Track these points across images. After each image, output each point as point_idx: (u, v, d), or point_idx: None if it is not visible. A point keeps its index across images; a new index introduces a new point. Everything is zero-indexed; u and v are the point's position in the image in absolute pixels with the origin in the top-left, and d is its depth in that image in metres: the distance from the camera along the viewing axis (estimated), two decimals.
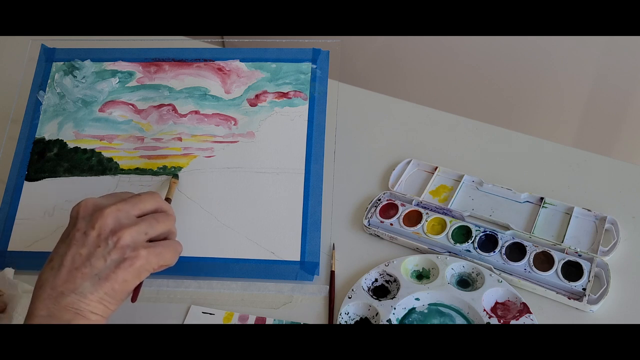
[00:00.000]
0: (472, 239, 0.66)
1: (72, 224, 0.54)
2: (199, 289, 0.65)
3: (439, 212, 0.70)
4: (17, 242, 0.70)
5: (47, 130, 0.75)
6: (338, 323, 0.61)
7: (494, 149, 0.78)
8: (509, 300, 0.62)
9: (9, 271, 0.64)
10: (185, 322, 0.63)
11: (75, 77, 0.77)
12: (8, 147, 0.76)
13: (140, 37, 0.74)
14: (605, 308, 0.61)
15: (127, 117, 0.75)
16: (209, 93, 0.74)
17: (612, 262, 0.64)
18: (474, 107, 1.28)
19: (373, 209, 0.71)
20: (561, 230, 0.67)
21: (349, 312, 0.62)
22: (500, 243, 0.65)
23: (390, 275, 0.65)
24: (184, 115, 0.74)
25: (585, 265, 0.62)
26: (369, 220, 0.69)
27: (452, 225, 0.68)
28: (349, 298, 0.63)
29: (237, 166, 0.70)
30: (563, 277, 0.62)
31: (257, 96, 0.74)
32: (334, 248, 0.68)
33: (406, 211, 0.70)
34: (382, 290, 0.64)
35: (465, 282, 0.64)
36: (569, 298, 0.61)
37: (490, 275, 0.63)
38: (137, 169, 0.72)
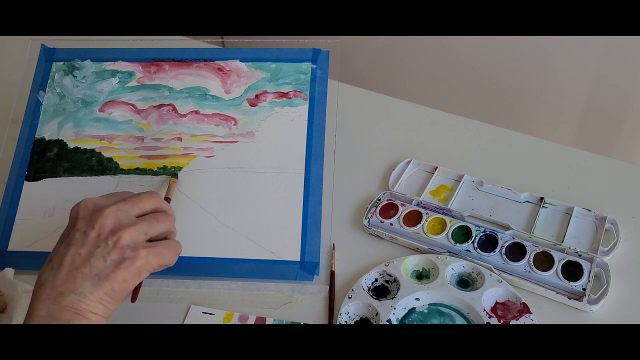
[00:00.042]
0: (472, 239, 0.66)
1: (72, 224, 0.54)
2: (199, 289, 0.65)
3: (439, 212, 0.70)
4: (17, 242, 0.70)
5: (47, 130, 0.75)
6: (338, 323, 0.61)
7: (494, 149, 0.78)
8: (509, 300, 0.62)
9: (9, 271, 0.64)
10: (185, 322, 0.63)
11: (75, 77, 0.77)
12: (8, 147, 0.76)
13: (140, 37, 0.74)
14: (605, 308, 0.61)
15: (127, 117, 0.75)
16: (209, 93, 0.74)
17: (612, 262, 0.64)
18: (474, 107, 1.28)
19: (373, 209, 0.71)
20: (561, 230, 0.67)
21: (349, 312, 0.62)
22: (500, 243, 0.65)
23: (390, 275, 0.65)
24: (184, 115, 0.74)
25: (585, 265, 0.62)
26: (369, 220, 0.70)
27: (452, 225, 0.68)
28: (349, 298, 0.63)
29: (237, 166, 0.70)
30: (563, 277, 0.62)
31: (257, 96, 0.74)
32: (334, 248, 0.68)
33: (406, 211, 0.70)
34: (382, 290, 0.64)
35: (465, 282, 0.64)
36: (569, 298, 0.61)
37: (490, 275, 0.63)
38: (137, 169, 0.72)
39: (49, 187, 0.72)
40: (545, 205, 0.69)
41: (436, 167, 0.75)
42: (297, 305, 0.64)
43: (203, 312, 0.63)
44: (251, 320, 0.63)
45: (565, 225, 0.67)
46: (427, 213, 0.70)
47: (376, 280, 0.65)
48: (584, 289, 0.61)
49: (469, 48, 1.24)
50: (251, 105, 0.73)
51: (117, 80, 0.76)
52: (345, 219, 0.71)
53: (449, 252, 0.66)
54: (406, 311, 0.62)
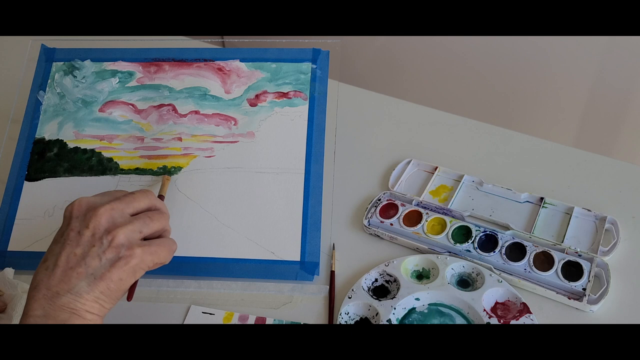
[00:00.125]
0: (472, 239, 0.66)
1: (66, 224, 0.53)
2: (199, 289, 0.65)
3: (439, 212, 0.70)
4: (17, 242, 0.70)
5: (47, 130, 0.75)
6: (338, 323, 0.61)
7: (494, 149, 0.78)
8: (509, 300, 0.62)
9: (9, 271, 0.64)
10: (185, 322, 0.63)
11: (75, 77, 0.77)
12: (8, 147, 0.76)
13: (140, 37, 0.74)
14: (605, 308, 0.61)
15: (127, 117, 0.75)
16: (209, 93, 0.74)
17: (612, 262, 0.64)
18: (474, 107, 1.28)
19: (373, 209, 0.71)
20: (561, 230, 0.67)
21: (349, 312, 0.62)
22: (500, 243, 0.65)
23: (390, 275, 0.65)
24: (184, 115, 0.74)
25: (585, 265, 0.62)
26: (369, 220, 0.69)
27: (452, 225, 0.68)
28: (349, 298, 0.63)
29: (237, 166, 0.70)
30: (563, 277, 0.62)
31: (257, 96, 0.74)
32: (334, 248, 0.68)
33: (406, 211, 0.70)
34: (382, 290, 0.64)
35: (465, 282, 0.64)
36: (569, 298, 0.61)
37: (490, 275, 0.63)
38: (137, 169, 0.72)
39: (49, 187, 0.72)
40: (545, 205, 0.69)
41: (436, 167, 0.75)
42: (297, 305, 0.64)
43: (203, 312, 0.63)
44: (251, 320, 0.63)
45: (565, 225, 0.67)
46: (427, 213, 0.70)
47: (376, 280, 0.65)
48: (584, 289, 0.61)
49: (469, 48, 1.24)
50: (251, 105, 0.73)
51: (117, 80, 0.76)
52: (345, 219, 0.71)
53: (449, 252, 0.66)
54: (406, 311, 0.62)
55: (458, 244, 0.66)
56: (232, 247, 0.67)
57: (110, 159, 0.73)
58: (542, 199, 0.70)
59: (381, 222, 0.69)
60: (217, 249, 0.67)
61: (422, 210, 0.70)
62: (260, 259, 0.66)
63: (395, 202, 0.71)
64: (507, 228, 0.67)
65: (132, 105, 0.75)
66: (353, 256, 0.67)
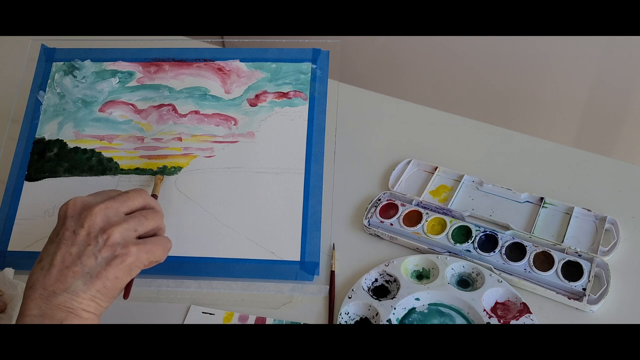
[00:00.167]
0: (472, 239, 0.66)
1: (61, 224, 0.54)
2: (199, 289, 0.65)
3: (439, 212, 0.70)
4: (17, 242, 0.70)
5: (47, 130, 0.75)
6: (338, 323, 0.61)
7: (494, 149, 0.78)
8: (509, 300, 0.62)
9: (9, 271, 0.64)
10: (185, 322, 0.63)
11: (75, 77, 0.77)
12: (8, 147, 0.76)
13: (140, 37, 0.74)
14: (605, 308, 0.61)
15: (127, 117, 0.75)
16: (209, 93, 0.74)
17: (612, 262, 0.64)
18: (474, 107, 1.28)
19: (373, 209, 0.71)
20: (561, 230, 0.67)
21: (349, 312, 0.62)
22: (500, 243, 0.65)
23: (390, 275, 0.65)
24: (184, 115, 0.74)
25: (585, 265, 0.62)
26: (369, 220, 0.69)
27: (452, 225, 0.68)
28: (349, 298, 0.63)
29: (237, 166, 0.70)
30: (563, 277, 0.62)
31: (257, 96, 0.74)
32: (334, 248, 0.68)
33: (406, 211, 0.70)
34: (382, 290, 0.64)
35: (465, 282, 0.64)
36: (569, 298, 0.61)
37: (490, 275, 0.63)
38: (137, 169, 0.72)
39: (49, 187, 0.72)
40: (545, 205, 0.69)
41: (436, 167, 0.75)
42: (297, 305, 0.64)
43: (203, 312, 0.63)
44: (251, 320, 0.63)
45: (565, 225, 0.67)
46: (427, 213, 0.70)
47: (376, 280, 0.65)
48: (584, 289, 0.61)
49: (469, 48, 1.24)
50: (251, 105, 0.73)
51: (117, 80, 0.76)
52: (345, 219, 0.71)
53: (449, 252, 0.66)
54: (406, 311, 0.62)
55: (458, 244, 0.66)
56: (232, 247, 0.67)
57: (110, 159, 0.73)
58: (542, 199, 0.70)
59: (381, 222, 0.69)
60: (217, 249, 0.67)
61: (422, 210, 0.70)
62: (260, 259, 0.66)
63: (395, 202, 0.71)
64: (507, 228, 0.67)
65: (132, 105, 0.75)
66: (353, 256, 0.67)
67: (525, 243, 0.65)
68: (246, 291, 0.65)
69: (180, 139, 0.72)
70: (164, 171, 0.71)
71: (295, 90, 0.73)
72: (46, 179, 0.72)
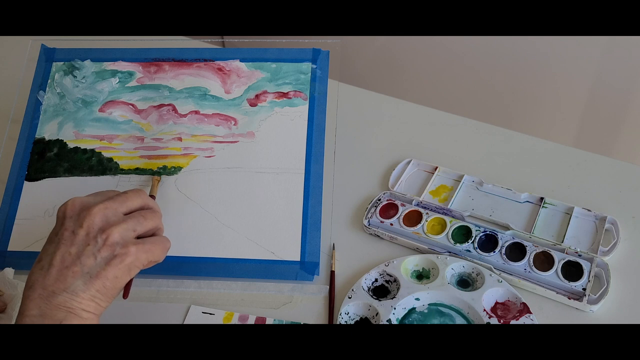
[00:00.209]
0: (472, 239, 0.66)
1: (60, 224, 0.54)
2: (199, 289, 0.65)
3: (439, 212, 0.70)
4: (17, 242, 0.70)
5: (47, 130, 0.75)
6: (338, 323, 0.61)
7: (494, 149, 0.78)
8: (509, 300, 0.62)
9: (9, 271, 0.64)
10: (185, 322, 0.63)
11: (75, 77, 0.77)
12: (8, 147, 0.76)
13: (140, 37, 0.74)
14: (605, 308, 0.61)
15: (127, 117, 0.75)
16: (209, 93, 0.74)
17: (612, 262, 0.64)
18: (474, 107, 1.28)
19: (373, 209, 0.71)
20: (561, 230, 0.67)
21: (349, 312, 0.62)
22: (500, 243, 0.65)
23: (390, 275, 0.65)
24: (184, 115, 0.74)
25: (585, 265, 0.62)
26: (369, 220, 0.69)
27: (452, 225, 0.68)
28: (349, 298, 0.63)
29: (237, 166, 0.70)
30: (563, 277, 0.62)
31: (257, 96, 0.74)
32: (334, 248, 0.68)
33: (406, 211, 0.70)
34: (382, 290, 0.64)
35: (465, 282, 0.64)
36: (569, 298, 0.61)
37: (490, 275, 0.63)
38: (137, 169, 0.72)
39: (49, 187, 0.72)
40: (545, 205, 0.69)
41: (436, 167, 0.75)
42: (297, 305, 0.64)
43: (203, 312, 0.63)
44: (251, 320, 0.63)
45: (565, 225, 0.67)
46: (427, 213, 0.70)
47: (376, 280, 0.65)
48: (584, 289, 0.61)
49: (469, 48, 1.24)
50: (251, 105, 0.73)
51: (117, 80, 0.76)
52: (345, 219, 0.71)
53: (449, 252, 0.66)
54: (406, 311, 0.62)
55: (458, 244, 0.66)
56: (232, 247, 0.67)
57: (110, 159, 0.73)
58: (542, 199, 0.70)
59: (381, 222, 0.69)
60: (217, 249, 0.67)
61: (422, 210, 0.70)
62: (260, 259, 0.66)
63: (395, 202, 0.71)
64: (507, 228, 0.67)
65: (132, 105, 0.75)
66: (353, 256, 0.67)
67: (525, 243, 0.65)
68: (246, 291, 0.65)
69: (180, 139, 0.72)
70: (164, 171, 0.71)
71: (295, 90, 0.73)
72: (46, 179, 0.72)
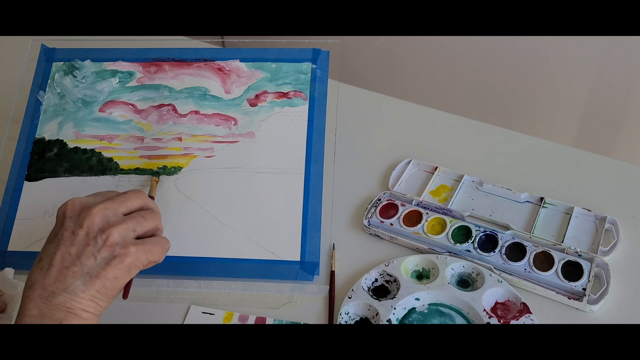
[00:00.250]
0: (472, 239, 0.66)
1: (60, 224, 0.54)
2: (199, 289, 0.65)
3: (439, 212, 0.70)
4: (17, 242, 0.70)
5: (47, 130, 0.75)
6: (338, 323, 0.61)
7: (494, 149, 0.78)
8: (509, 300, 0.62)
9: (9, 271, 0.64)
10: (185, 322, 0.63)
11: (75, 77, 0.77)
12: (8, 147, 0.76)
13: (140, 37, 0.74)
14: (605, 308, 0.61)
15: (127, 117, 0.75)
16: (209, 93, 0.74)
17: (612, 262, 0.64)
18: (474, 107, 1.28)
19: (373, 209, 0.71)
20: (561, 230, 0.67)
21: (349, 312, 0.62)
22: (500, 243, 0.65)
23: (390, 275, 0.65)
24: (184, 115, 0.74)
25: (585, 265, 0.62)
26: (369, 220, 0.69)
27: (452, 225, 0.68)
28: (349, 298, 0.63)
29: (237, 166, 0.70)
30: (563, 277, 0.62)
31: (257, 96, 0.74)
32: (334, 248, 0.68)
33: (406, 211, 0.70)
34: (382, 290, 0.64)
35: (465, 282, 0.64)
36: (569, 298, 0.61)
37: (490, 275, 0.63)
38: (137, 169, 0.72)
39: (49, 187, 0.72)
40: (545, 205, 0.69)
41: (436, 167, 0.75)
42: (297, 305, 0.64)
43: (203, 312, 0.63)
44: (251, 320, 0.63)
45: (565, 225, 0.67)
46: (427, 213, 0.70)
47: (376, 280, 0.65)
48: (584, 289, 0.61)
49: (469, 48, 1.24)
50: (251, 105, 0.73)
51: (117, 80, 0.76)
52: (345, 219, 0.71)
53: (449, 252, 0.66)
54: (406, 311, 0.62)
55: (458, 244, 0.66)
56: (232, 247, 0.67)
57: (110, 159, 0.73)
58: (542, 199, 0.70)
59: (381, 222, 0.69)
60: (217, 249, 0.67)
61: (422, 210, 0.70)
62: (260, 259, 0.66)
63: (395, 202, 0.71)
64: (507, 228, 0.67)
65: (132, 105, 0.75)
66: (353, 256, 0.67)
67: (525, 243, 0.65)
68: (246, 291, 0.65)
69: (180, 139, 0.72)
70: (164, 171, 0.71)
71: (295, 90, 0.73)
72: (46, 179, 0.72)
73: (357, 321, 0.62)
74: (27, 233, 0.70)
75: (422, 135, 0.81)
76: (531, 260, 0.64)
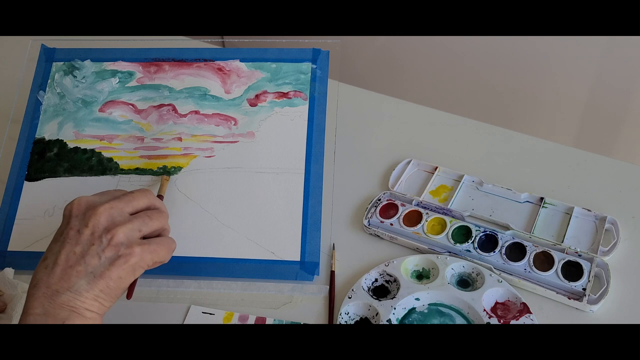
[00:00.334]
0: (472, 239, 0.66)
1: (65, 223, 0.54)
2: (199, 289, 0.65)
3: (439, 212, 0.70)
4: (17, 242, 0.70)
5: (47, 130, 0.75)
6: (338, 323, 0.61)
7: (494, 149, 0.78)
8: (509, 300, 0.62)
9: (9, 271, 0.64)
10: (185, 322, 0.63)
11: (75, 77, 0.77)
12: (8, 147, 0.76)
13: (140, 37, 0.74)
14: (605, 308, 0.61)
15: (127, 117, 0.75)
16: (209, 93, 0.74)
17: (612, 262, 0.64)
18: (474, 107, 1.28)
19: (373, 209, 0.71)
20: (561, 230, 0.67)
21: (349, 312, 0.62)
22: (500, 243, 0.65)
23: (390, 275, 0.65)
24: (184, 115, 0.74)
25: (585, 265, 0.62)
26: (369, 220, 0.69)
27: (452, 225, 0.68)
28: (349, 298, 0.63)
29: (237, 166, 0.70)
30: (563, 277, 0.62)
31: (257, 96, 0.74)
32: (334, 248, 0.68)
33: (406, 211, 0.70)
34: (382, 290, 0.64)
35: (465, 282, 0.64)
36: (569, 298, 0.61)
37: (490, 275, 0.63)
38: (137, 169, 0.72)
39: (49, 187, 0.72)
40: (545, 205, 0.69)
41: (436, 167, 0.75)
42: (297, 305, 0.64)
43: (203, 312, 0.63)
44: (251, 320, 0.63)
45: (565, 225, 0.67)
46: (427, 213, 0.70)
47: (376, 280, 0.65)
48: (584, 289, 0.61)
49: (469, 48, 1.24)
50: (251, 105, 0.73)
51: (117, 80, 0.76)
52: (345, 219, 0.71)
53: (449, 252, 0.66)
54: (406, 311, 0.62)
55: (458, 244, 0.66)
56: (232, 247, 0.67)
57: (110, 159, 0.73)
58: (542, 199, 0.70)
59: (381, 222, 0.69)
60: (217, 249, 0.67)
61: (422, 210, 0.70)
62: (260, 259, 0.66)
63: (395, 202, 0.71)
64: (507, 228, 0.67)
65: (132, 105, 0.75)
66: (353, 256, 0.67)
67: (525, 243, 0.65)
68: (246, 291, 0.65)
69: (180, 139, 0.72)
70: (163, 171, 0.71)
71: (295, 90, 0.73)
72: (46, 179, 0.72)
73: (357, 321, 0.62)
74: (27, 233, 0.70)
75: (422, 135, 0.81)
76: (531, 260, 0.64)
